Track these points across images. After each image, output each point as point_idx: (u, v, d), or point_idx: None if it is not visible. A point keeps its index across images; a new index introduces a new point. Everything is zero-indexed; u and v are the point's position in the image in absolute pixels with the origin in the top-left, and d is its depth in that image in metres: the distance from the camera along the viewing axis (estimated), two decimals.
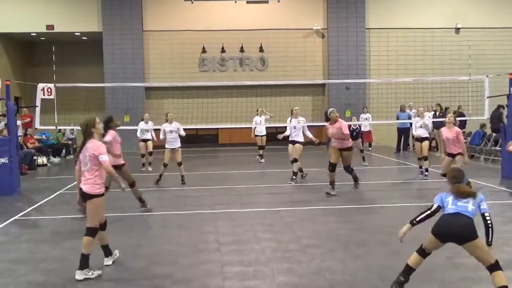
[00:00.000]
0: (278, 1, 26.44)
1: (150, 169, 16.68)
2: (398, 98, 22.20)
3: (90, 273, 6.38)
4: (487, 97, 15.60)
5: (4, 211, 10.66)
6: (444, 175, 10.92)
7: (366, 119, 22.13)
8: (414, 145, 15.42)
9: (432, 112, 21.22)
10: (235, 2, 26.13)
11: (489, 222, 5.42)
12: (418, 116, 15.15)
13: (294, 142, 13.75)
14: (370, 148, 22.46)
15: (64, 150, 22.19)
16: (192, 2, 26.12)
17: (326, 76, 26.35)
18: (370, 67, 26.74)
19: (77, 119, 23.49)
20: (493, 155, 17.68)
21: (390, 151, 22.15)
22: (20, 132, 17.63)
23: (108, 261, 6.89)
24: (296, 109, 14.14)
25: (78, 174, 6.82)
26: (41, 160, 18.99)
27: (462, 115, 21.29)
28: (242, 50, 26.40)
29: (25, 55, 28.37)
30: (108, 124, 9.81)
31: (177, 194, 12.40)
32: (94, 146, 6.67)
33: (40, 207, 11.20)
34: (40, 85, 14.16)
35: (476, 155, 19.00)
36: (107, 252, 6.93)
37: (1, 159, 12.68)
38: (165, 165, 13.64)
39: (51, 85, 14.08)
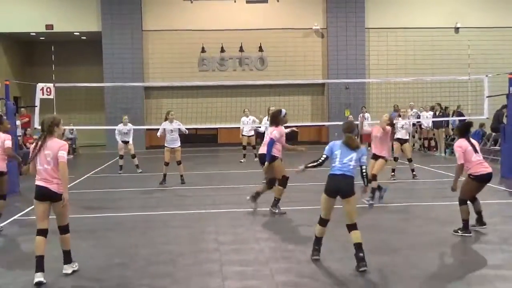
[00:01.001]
0: (278, 1, 26.47)
1: (140, 170, 16.44)
2: (398, 98, 22.21)
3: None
4: (487, 97, 15.61)
5: (4, 211, 10.62)
6: (373, 175, 10.73)
7: (366, 118, 22.10)
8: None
9: (432, 112, 21.25)
10: (235, 1, 26.16)
11: (364, 173, 6.78)
12: (400, 117, 15.15)
13: None
14: (369, 148, 22.43)
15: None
16: (192, 2, 26.15)
17: (326, 75, 26.36)
18: (370, 67, 26.76)
19: (76, 119, 23.68)
20: (493, 155, 17.68)
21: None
22: (19, 132, 17.61)
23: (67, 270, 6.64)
24: (272, 109, 13.67)
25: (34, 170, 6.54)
26: None
27: (461, 114, 21.32)
28: (241, 49, 26.41)
29: (24, 54, 28.38)
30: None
31: (177, 193, 12.40)
32: (58, 144, 6.41)
33: None
34: (40, 85, 14.16)
35: None
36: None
37: None
38: (166, 164, 13.65)
39: (51, 85, 14.08)
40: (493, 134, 18.20)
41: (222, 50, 26.36)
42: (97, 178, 15.70)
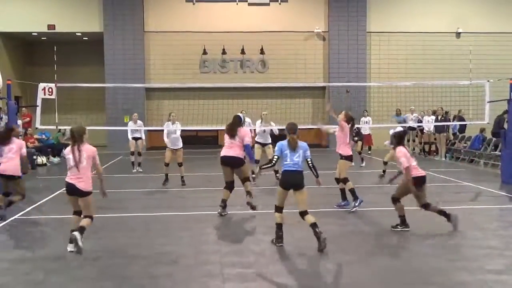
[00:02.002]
0: (279, 4, 26.50)
1: (140, 170, 16.63)
2: (399, 102, 22.21)
3: (81, 242, 7.13)
4: (488, 102, 15.62)
5: (6, 210, 10.65)
6: (336, 179, 10.69)
7: (367, 122, 22.13)
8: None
9: (434, 117, 21.25)
10: (237, 4, 26.21)
11: (310, 164, 7.78)
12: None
13: (263, 145, 14.53)
14: (369, 152, 22.46)
15: (63, 150, 22.10)
16: (194, 4, 26.19)
17: (327, 79, 26.37)
18: (371, 71, 26.78)
19: (77, 119, 23.64)
20: (493, 160, 17.68)
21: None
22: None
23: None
24: (264, 114, 14.77)
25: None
26: (41, 159, 18.97)
27: (462, 119, 21.33)
28: (243, 52, 26.43)
29: (25, 54, 28.39)
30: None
31: (177, 195, 12.41)
32: (90, 148, 7.63)
33: (40, 206, 11.20)
34: (41, 85, 14.15)
35: (476, 160, 19.02)
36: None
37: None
38: (166, 165, 13.68)
39: (52, 85, 14.07)
40: (494, 139, 18.20)
41: (224, 52, 26.39)
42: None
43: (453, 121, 21.54)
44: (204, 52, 26.33)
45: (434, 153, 21.82)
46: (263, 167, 8.13)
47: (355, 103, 25.90)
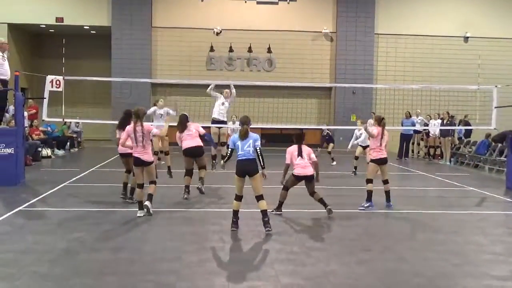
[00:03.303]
0: (288, 3, 26.46)
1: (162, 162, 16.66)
2: (405, 104, 22.16)
3: (151, 206, 9.43)
4: (495, 107, 15.57)
5: (9, 202, 10.69)
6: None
7: (373, 124, 22.05)
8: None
9: (440, 120, 21.21)
10: (245, 2, 26.18)
11: (259, 153, 8.44)
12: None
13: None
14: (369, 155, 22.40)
15: (68, 143, 22.19)
16: (202, 0, 26.15)
17: (333, 79, 26.33)
18: (378, 73, 26.73)
19: (83, 112, 23.69)
20: (498, 165, 17.64)
21: (394, 157, 22.09)
22: (25, 123, 17.65)
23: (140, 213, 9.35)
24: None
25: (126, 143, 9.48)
26: (46, 152, 18.99)
27: (468, 124, 21.28)
28: (250, 50, 26.42)
29: (33, 46, 28.41)
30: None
31: (182, 191, 12.37)
32: (148, 126, 9.57)
33: (44, 198, 11.21)
34: (49, 77, 14.15)
35: (481, 165, 18.96)
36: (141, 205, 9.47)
37: (8, 149, 12.69)
38: (156, 153, 14.20)
39: (60, 78, 14.07)
40: (499, 145, 18.15)
41: (231, 50, 26.37)
42: (102, 172, 15.70)
43: (459, 125, 21.49)
44: (211, 49, 26.31)
45: (439, 157, 21.77)
46: (224, 162, 9.00)
47: (360, 104, 25.91)
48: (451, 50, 26.62)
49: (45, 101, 14.21)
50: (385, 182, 10.90)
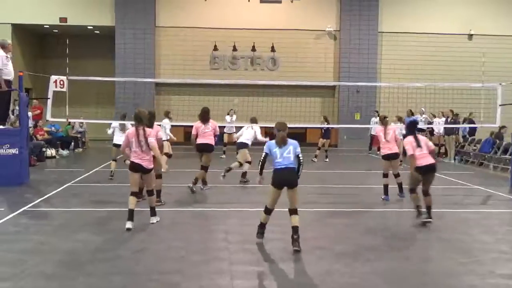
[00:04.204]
0: (291, 1, 26.43)
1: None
2: (409, 103, 22.10)
3: (158, 218, 8.95)
4: (500, 105, 15.50)
5: (14, 202, 10.71)
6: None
7: (377, 122, 22.02)
8: None
9: (444, 118, 21.14)
10: (248, 0, 26.14)
11: (301, 160, 7.60)
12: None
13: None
14: (378, 152, 22.36)
15: (73, 143, 22.22)
16: (205, 0, 26.14)
17: (337, 78, 26.31)
18: (381, 71, 26.69)
19: (87, 112, 23.71)
20: (503, 164, 17.57)
21: None
22: (30, 123, 17.69)
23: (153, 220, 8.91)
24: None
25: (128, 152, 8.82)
26: (50, 152, 19.03)
27: (472, 122, 21.18)
28: (253, 49, 26.42)
29: (36, 47, 28.49)
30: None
31: (186, 191, 12.38)
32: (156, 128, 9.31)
33: (49, 198, 11.22)
34: (53, 77, 14.16)
35: (486, 163, 18.90)
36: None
37: (12, 149, 12.73)
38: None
39: (64, 78, 14.08)
40: (504, 143, 18.09)
41: (234, 49, 26.37)
42: (107, 172, 15.67)
43: (463, 123, 21.42)
44: (215, 48, 26.31)
45: (443, 155, 21.70)
46: (261, 172, 7.78)
47: (364, 102, 25.87)
48: (455, 48, 26.57)
49: (49, 101, 14.22)
50: (396, 175, 11.67)
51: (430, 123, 21.75)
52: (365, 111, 24.96)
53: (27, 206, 10.20)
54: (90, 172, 15.27)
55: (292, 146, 7.57)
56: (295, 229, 7.45)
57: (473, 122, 21.14)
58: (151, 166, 8.71)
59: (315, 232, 8.69)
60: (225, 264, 6.82)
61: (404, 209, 10.80)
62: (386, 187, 11.52)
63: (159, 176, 10.18)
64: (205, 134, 11.98)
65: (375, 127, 21.72)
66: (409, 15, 26.84)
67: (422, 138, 9.63)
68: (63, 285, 6.02)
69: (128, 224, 8.37)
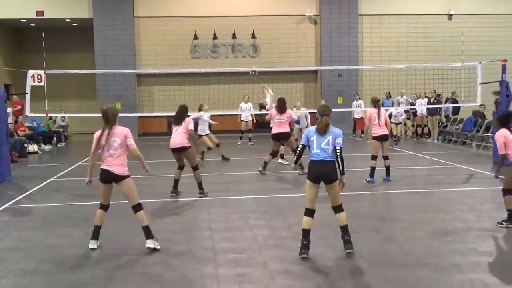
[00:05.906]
0: None
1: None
2: (391, 84, 22.18)
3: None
4: (480, 84, 15.59)
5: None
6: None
7: (358, 106, 22.11)
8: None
9: (426, 99, 21.23)
10: None
11: (339, 154, 6.46)
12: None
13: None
14: (362, 135, 22.45)
15: (55, 138, 22.02)
16: None
17: (319, 62, 26.27)
18: (363, 54, 26.68)
19: (67, 106, 23.46)
20: (485, 142, 17.71)
21: None
22: (10, 119, 17.46)
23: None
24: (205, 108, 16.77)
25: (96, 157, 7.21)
26: (32, 147, 18.84)
27: (455, 101, 21.31)
28: (234, 36, 26.25)
29: (15, 41, 28.09)
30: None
31: (167, 181, 12.31)
32: (123, 131, 7.06)
33: (31, 195, 11.12)
34: (30, 72, 13.99)
35: (468, 142, 19.04)
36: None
37: None
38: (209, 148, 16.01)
39: (41, 72, 13.91)
40: (485, 121, 18.22)
41: (215, 37, 26.18)
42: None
43: (445, 103, 21.54)
44: (195, 37, 26.12)
45: (427, 136, 21.83)
46: (296, 162, 7.04)
47: (347, 86, 25.87)
48: (435, 28, 26.64)
49: (28, 97, 14.06)
50: (385, 158, 11.72)
51: (413, 104, 21.83)
52: (347, 94, 24.94)
53: (8, 203, 10.10)
54: (73, 166, 15.14)
55: (332, 136, 6.52)
56: (344, 229, 6.62)
57: (456, 102, 21.27)
58: (125, 172, 7.14)
59: (299, 218, 8.64)
60: (210, 253, 6.78)
61: (389, 190, 10.85)
62: (373, 169, 11.57)
63: (196, 167, 10.40)
64: (280, 123, 12.84)
65: (357, 110, 21.88)
66: None
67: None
68: (45, 281, 5.97)
69: (92, 244, 6.99)
